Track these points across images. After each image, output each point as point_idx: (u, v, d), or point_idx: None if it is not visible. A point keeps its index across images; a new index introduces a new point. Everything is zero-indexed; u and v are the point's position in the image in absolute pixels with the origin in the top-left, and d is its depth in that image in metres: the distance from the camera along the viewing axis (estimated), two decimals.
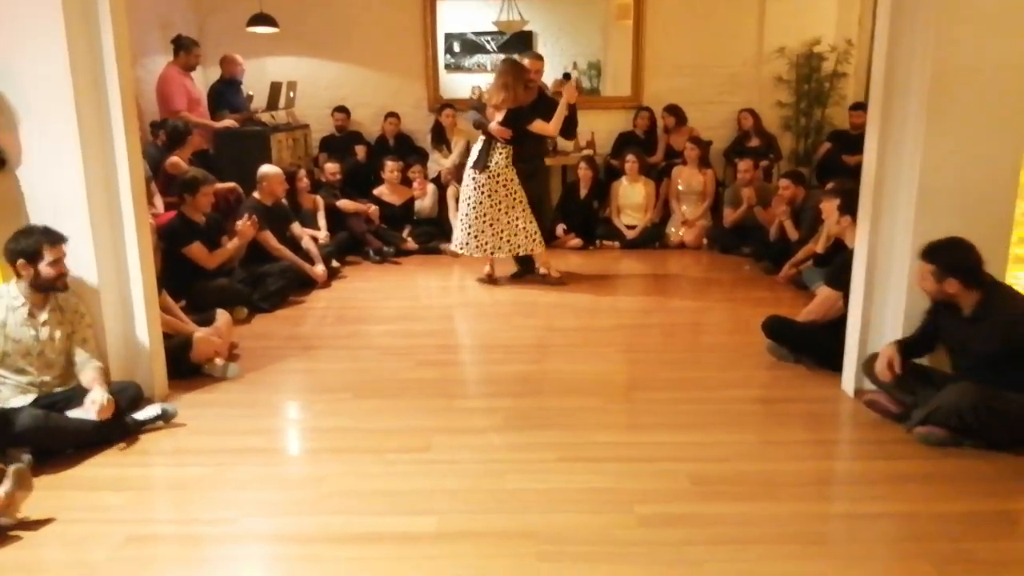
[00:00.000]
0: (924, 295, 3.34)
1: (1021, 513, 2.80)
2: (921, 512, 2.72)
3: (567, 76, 5.93)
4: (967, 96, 3.30)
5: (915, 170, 3.38)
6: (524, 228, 5.67)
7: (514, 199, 5.63)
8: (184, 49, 6.51)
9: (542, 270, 5.91)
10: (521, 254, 5.82)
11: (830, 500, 2.92)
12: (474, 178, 5.66)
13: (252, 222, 5.28)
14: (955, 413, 3.08)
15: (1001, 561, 2.48)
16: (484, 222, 5.68)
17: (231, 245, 5.17)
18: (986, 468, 3.01)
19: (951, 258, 3.16)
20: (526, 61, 5.71)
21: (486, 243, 5.72)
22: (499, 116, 5.55)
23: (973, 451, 3.10)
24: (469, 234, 5.75)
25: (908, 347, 3.39)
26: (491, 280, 5.92)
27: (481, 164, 5.62)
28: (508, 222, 5.67)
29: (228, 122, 6.65)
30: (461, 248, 5.85)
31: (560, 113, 5.56)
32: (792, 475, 3.02)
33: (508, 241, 5.71)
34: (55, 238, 3.27)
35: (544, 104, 5.67)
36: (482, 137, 5.69)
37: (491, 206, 5.64)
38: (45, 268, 3.25)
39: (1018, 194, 3.44)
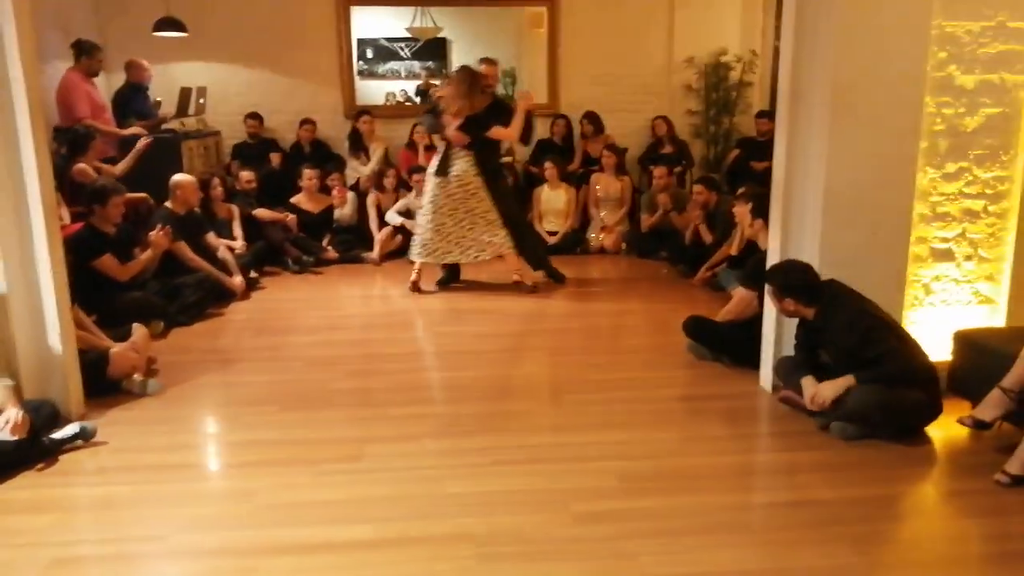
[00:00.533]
0: None
1: (922, 494, 3.01)
2: (837, 498, 2.89)
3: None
4: (866, 104, 3.50)
5: (820, 174, 3.57)
6: (487, 232, 5.64)
7: (478, 204, 5.60)
8: (86, 54, 6.25)
9: (515, 277, 5.84)
10: (486, 259, 5.76)
11: (752, 491, 3.07)
12: (436, 184, 5.62)
13: (165, 232, 5.13)
14: (864, 413, 3.29)
15: (909, 539, 2.67)
16: (442, 228, 5.64)
17: (144, 257, 5.01)
18: (888, 456, 3.21)
19: (783, 279, 3.47)
20: (481, 67, 5.75)
21: (443, 249, 5.68)
22: (456, 122, 5.54)
23: (874, 442, 3.30)
24: (427, 240, 5.70)
25: (807, 346, 3.59)
26: (416, 288, 5.90)
27: (443, 170, 5.60)
28: (470, 227, 5.63)
29: (135, 129, 6.41)
30: (419, 256, 5.77)
31: (519, 119, 5.58)
32: (715, 468, 3.15)
33: (468, 247, 5.66)
34: None
35: (499, 109, 5.68)
36: (441, 143, 5.67)
37: (450, 212, 5.60)
38: None
39: (915, 195, 3.68)
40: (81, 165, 5.46)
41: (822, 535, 2.65)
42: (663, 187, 6.90)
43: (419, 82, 8.45)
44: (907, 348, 3.36)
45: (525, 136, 5.80)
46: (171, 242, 5.23)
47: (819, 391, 3.38)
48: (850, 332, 3.33)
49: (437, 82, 6.98)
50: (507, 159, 7.63)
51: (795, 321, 3.75)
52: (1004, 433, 3.24)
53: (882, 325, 3.37)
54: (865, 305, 3.41)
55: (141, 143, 5.89)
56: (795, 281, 3.46)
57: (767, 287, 3.58)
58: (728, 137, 8.26)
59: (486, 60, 6.03)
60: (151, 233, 5.10)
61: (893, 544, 2.59)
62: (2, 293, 3.35)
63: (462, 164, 5.59)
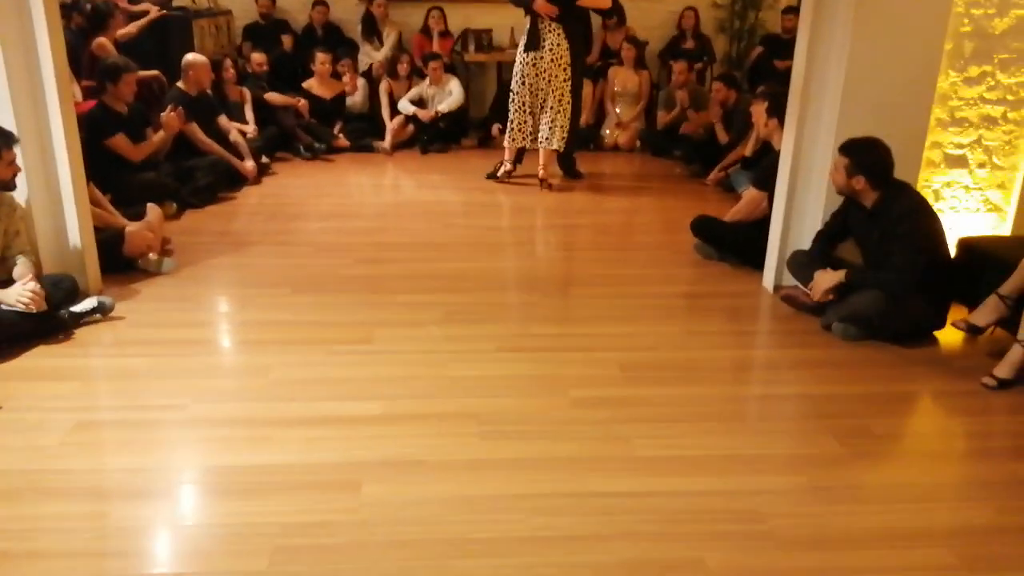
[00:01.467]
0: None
1: (913, 393, 3.10)
2: (826, 393, 2.99)
3: None
4: (890, 2, 3.41)
5: (841, 73, 3.51)
6: (557, 118, 5.61)
7: (564, 79, 5.53)
8: None
9: (541, 173, 5.78)
10: (554, 147, 5.74)
11: (746, 383, 3.17)
12: (528, 62, 5.53)
13: (178, 113, 5.12)
14: (866, 317, 3.34)
15: (893, 434, 2.78)
16: (536, 107, 5.60)
17: (156, 138, 5.02)
18: (884, 356, 3.30)
19: (865, 156, 3.33)
20: None
21: (534, 130, 5.65)
22: None
23: (874, 343, 3.38)
24: (518, 122, 5.66)
25: (830, 238, 3.61)
26: (509, 175, 5.86)
27: (534, 44, 5.49)
28: (561, 107, 5.58)
29: (146, 5, 6.30)
30: (516, 141, 5.74)
31: None
32: (712, 361, 3.25)
33: (552, 129, 5.63)
34: (11, 140, 3.20)
35: None
36: (527, 17, 5.52)
37: (545, 89, 5.55)
38: (2, 169, 3.19)
39: (934, 100, 3.62)
40: (102, 39, 5.39)
41: (809, 426, 2.77)
42: (682, 83, 6.77)
43: None
44: (934, 264, 3.32)
45: (615, 5, 5.59)
46: (183, 123, 5.22)
47: (815, 280, 3.43)
48: (902, 222, 3.27)
49: None
50: None
51: (804, 223, 3.77)
52: (996, 338, 3.32)
53: (935, 233, 3.35)
54: (928, 206, 3.40)
55: (153, 12, 5.78)
56: (877, 159, 3.32)
57: (841, 159, 3.37)
58: (753, 33, 8.02)
59: None
60: (163, 113, 5.09)
61: (877, 438, 2.70)
62: (21, 176, 3.38)
63: (553, 38, 5.48)
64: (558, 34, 5.47)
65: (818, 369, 3.20)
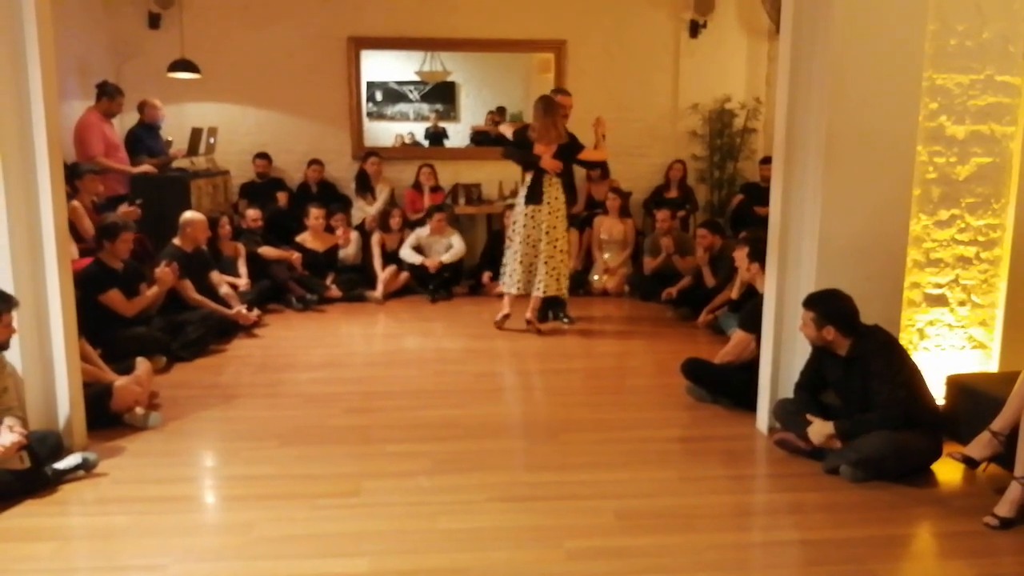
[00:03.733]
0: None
1: (916, 535, 3.02)
2: (828, 538, 2.90)
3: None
4: (859, 152, 3.59)
5: (816, 220, 3.65)
6: (556, 266, 5.77)
7: (560, 230, 5.74)
8: (108, 96, 6.43)
9: (528, 316, 5.84)
10: (551, 293, 5.86)
11: (746, 530, 3.08)
12: (527, 214, 5.72)
13: (172, 268, 5.22)
14: (877, 459, 3.31)
15: None
16: (526, 258, 5.75)
17: (150, 293, 5.09)
18: (884, 497, 3.23)
19: (829, 307, 3.44)
20: (558, 97, 5.91)
21: (533, 280, 5.77)
22: (550, 151, 5.65)
23: (874, 483, 3.32)
24: (517, 271, 5.79)
25: (809, 390, 3.64)
26: (504, 321, 5.91)
27: (537, 198, 5.70)
28: (546, 257, 5.74)
29: (146, 167, 6.54)
30: (512, 288, 5.85)
31: (600, 143, 5.76)
32: (710, 508, 3.17)
33: (553, 278, 5.77)
34: (11, 304, 3.27)
35: (573, 137, 5.83)
36: (529, 174, 5.76)
37: (534, 241, 5.73)
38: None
39: (909, 242, 3.74)
40: (74, 203, 5.48)
41: (812, 573, 2.67)
42: (666, 230, 6.99)
43: (428, 124, 8.65)
44: (917, 396, 3.38)
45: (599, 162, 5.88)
46: (177, 279, 5.31)
47: (811, 433, 3.44)
48: (876, 359, 3.35)
49: (506, 123, 7.13)
50: (511, 200, 7.74)
51: (793, 364, 3.79)
52: (995, 475, 3.26)
53: (909, 368, 3.42)
54: (897, 343, 3.48)
55: (128, 209, 5.86)
56: (842, 310, 3.43)
57: (807, 313, 3.49)
58: (732, 182, 8.37)
59: (562, 91, 6.23)
60: (157, 269, 5.19)
61: None
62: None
63: (553, 191, 5.71)
64: (557, 187, 5.73)
65: (818, 513, 3.13)
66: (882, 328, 3.49)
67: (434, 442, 3.81)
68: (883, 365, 3.35)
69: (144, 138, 6.92)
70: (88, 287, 4.70)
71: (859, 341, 3.43)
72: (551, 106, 5.73)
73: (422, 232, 7.24)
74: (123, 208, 5.59)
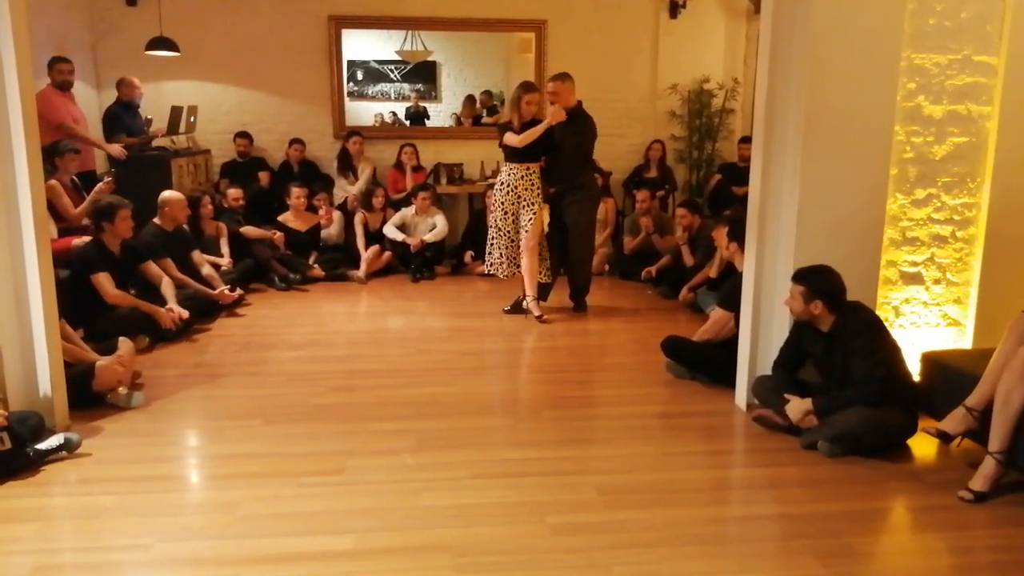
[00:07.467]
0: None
1: (892, 509, 3.09)
2: (806, 513, 2.96)
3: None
4: (837, 132, 3.63)
5: (794, 199, 3.69)
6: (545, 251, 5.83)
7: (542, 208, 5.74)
8: (49, 68, 6.10)
9: (536, 312, 5.77)
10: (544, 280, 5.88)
11: (725, 504, 3.14)
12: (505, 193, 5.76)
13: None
14: (855, 435, 3.37)
15: (875, 552, 2.75)
16: (516, 234, 5.75)
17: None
18: (861, 471, 3.30)
19: (819, 281, 3.48)
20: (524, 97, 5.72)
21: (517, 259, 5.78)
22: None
23: (851, 457, 3.39)
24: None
25: (788, 367, 3.70)
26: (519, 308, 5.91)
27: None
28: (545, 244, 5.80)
29: (118, 148, 6.36)
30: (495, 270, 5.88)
31: (535, 131, 5.56)
32: (690, 483, 3.22)
33: (546, 265, 5.81)
34: None
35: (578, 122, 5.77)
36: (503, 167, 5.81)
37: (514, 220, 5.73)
38: None
39: (885, 221, 3.79)
40: (51, 182, 5.37)
41: (790, 547, 2.73)
42: (645, 210, 7.02)
43: (409, 104, 8.63)
44: (896, 374, 3.45)
45: (534, 150, 5.69)
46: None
47: (789, 411, 3.49)
48: (858, 337, 3.41)
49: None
50: (492, 180, 7.73)
51: (771, 342, 3.85)
52: (970, 450, 3.34)
53: (889, 346, 3.47)
54: (880, 322, 3.53)
55: (102, 184, 5.71)
56: (831, 285, 3.47)
57: (796, 287, 3.52)
58: (711, 162, 8.41)
59: (530, 85, 6.05)
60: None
61: (859, 557, 2.67)
62: None
63: (532, 177, 5.75)
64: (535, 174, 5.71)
65: (796, 488, 3.19)
66: (865, 306, 3.55)
67: (418, 420, 3.84)
68: (864, 343, 3.41)
69: (123, 116, 6.82)
70: (81, 266, 4.74)
71: (842, 317, 3.48)
72: (513, 98, 5.70)
73: (407, 211, 7.24)
74: (99, 186, 5.55)
